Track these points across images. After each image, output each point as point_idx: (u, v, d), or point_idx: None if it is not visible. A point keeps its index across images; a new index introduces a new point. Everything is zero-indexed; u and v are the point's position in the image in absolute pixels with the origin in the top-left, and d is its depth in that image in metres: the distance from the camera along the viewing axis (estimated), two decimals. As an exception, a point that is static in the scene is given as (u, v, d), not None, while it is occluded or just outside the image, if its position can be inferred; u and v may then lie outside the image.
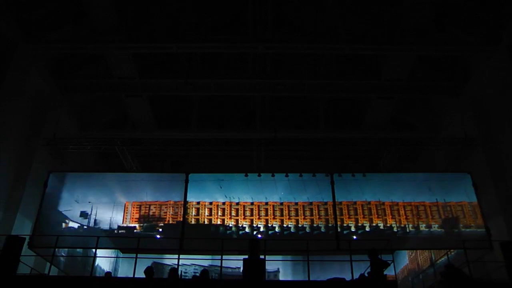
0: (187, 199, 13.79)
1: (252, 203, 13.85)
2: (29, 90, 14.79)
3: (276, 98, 17.70)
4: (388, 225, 13.55)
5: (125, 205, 13.91)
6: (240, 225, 13.57)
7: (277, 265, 16.54)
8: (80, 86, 16.70)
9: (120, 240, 13.38)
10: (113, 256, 15.69)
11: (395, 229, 13.48)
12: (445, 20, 14.41)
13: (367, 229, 13.45)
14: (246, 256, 9.86)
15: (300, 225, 13.51)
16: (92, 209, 13.79)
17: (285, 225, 13.51)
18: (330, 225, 13.39)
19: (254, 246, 10.05)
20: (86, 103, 18.16)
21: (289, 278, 16.11)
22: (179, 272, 11.23)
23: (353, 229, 13.45)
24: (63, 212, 13.82)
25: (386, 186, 14.31)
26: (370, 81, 16.43)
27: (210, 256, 15.85)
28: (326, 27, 15.05)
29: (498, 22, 13.71)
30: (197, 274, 13.61)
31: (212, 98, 18.09)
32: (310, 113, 18.51)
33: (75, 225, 13.65)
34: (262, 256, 9.95)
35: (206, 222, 13.63)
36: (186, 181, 14.14)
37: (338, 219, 13.41)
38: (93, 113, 18.41)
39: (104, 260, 15.44)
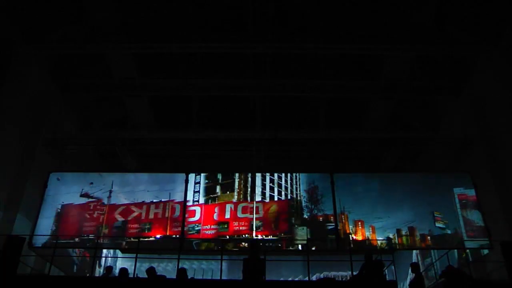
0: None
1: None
2: (29, 90, 14.77)
3: (276, 98, 17.68)
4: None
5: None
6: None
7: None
8: (80, 86, 16.67)
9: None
10: (113, 256, 15.68)
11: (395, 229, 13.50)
12: (445, 20, 14.41)
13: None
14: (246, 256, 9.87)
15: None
16: None
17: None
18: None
19: (254, 246, 10.05)
20: (86, 103, 18.14)
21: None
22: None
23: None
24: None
25: (386, 186, 14.32)
26: (370, 81, 16.42)
27: (211, 256, 15.84)
28: (326, 27, 15.04)
29: (498, 22, 13.71)
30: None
31: (212, 98, 18.07)
32: (310, 113, 18.48)
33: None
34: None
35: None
36: (186, 181, 14.16)
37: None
38: (93, 113, 18.41)
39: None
